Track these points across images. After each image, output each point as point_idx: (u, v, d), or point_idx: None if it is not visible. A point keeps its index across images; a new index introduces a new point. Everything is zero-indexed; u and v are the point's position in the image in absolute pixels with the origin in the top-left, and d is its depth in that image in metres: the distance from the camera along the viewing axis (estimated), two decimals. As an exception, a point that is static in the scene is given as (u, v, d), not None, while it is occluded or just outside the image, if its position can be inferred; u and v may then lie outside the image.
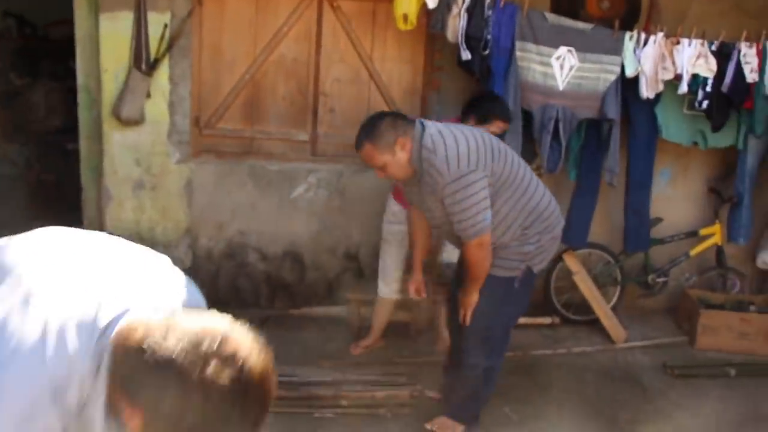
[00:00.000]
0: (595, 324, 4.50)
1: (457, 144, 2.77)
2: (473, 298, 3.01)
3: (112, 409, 1.14)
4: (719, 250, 4.65)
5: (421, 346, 4.15)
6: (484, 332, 3.08)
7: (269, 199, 4.43)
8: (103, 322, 1.15)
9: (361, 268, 4.53)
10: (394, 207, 3.85)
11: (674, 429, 3.48)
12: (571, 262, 4.45)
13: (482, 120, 3.53)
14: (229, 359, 1.07)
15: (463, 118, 3.61)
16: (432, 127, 2.86)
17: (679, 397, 3.82)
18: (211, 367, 1.06)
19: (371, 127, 2.84)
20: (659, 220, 4.58)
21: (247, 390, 1.09)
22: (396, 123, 2.84)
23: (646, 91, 4.12)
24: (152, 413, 1.08)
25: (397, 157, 2.81)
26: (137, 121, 4.21)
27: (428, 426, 3.28)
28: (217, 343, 1.08)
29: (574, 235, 4.35)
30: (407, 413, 3.48)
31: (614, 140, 4.24)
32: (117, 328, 1.14)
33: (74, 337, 1.14)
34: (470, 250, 2.89)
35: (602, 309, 4.45)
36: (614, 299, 4.63)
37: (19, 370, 1.12)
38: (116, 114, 4.16)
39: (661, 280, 4.70)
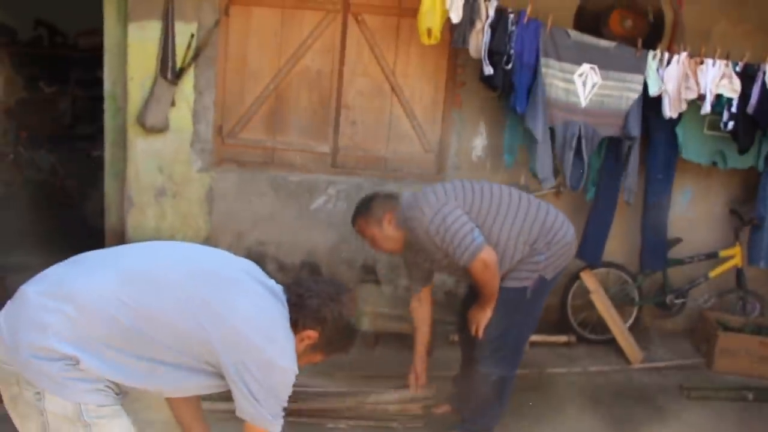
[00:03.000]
0: (611, 344, 4.47)
1: (429, 191, 3.09)
2: (486, 315, 3.10)
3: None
4: (739, 273, 4.61)
5: (432, 361, 4.13)
6: (496, 342, 3.13)
7: (289, 209, 4.47)
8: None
9: (378, 281, 4.54)
10: None
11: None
12: (589, 280, 4.43)
13: None
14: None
15: None
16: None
17: (694, 419, 3.77)
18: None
19: (364, 205, 3.19)
20: (678, 240, 4.55)
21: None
22: (386, 201, 3.15)
23: (669, 111, 4.11)
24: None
25: (384, 230, 3.10)
26: (161, 129, 4.27)
27: None
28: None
29: (589, 253, 4.33)
30: (419, 426, 3.47)
31: (634, 159, 4.24)
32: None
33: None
34: (476, 273, 2.98)
35: (619, 329, 4.42)
36: (631, 319, 4.60)
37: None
38: (141, 122, 4.22)
39: (679, 301, 4.66)
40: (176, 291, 1.83)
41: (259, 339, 1.85)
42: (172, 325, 1.80)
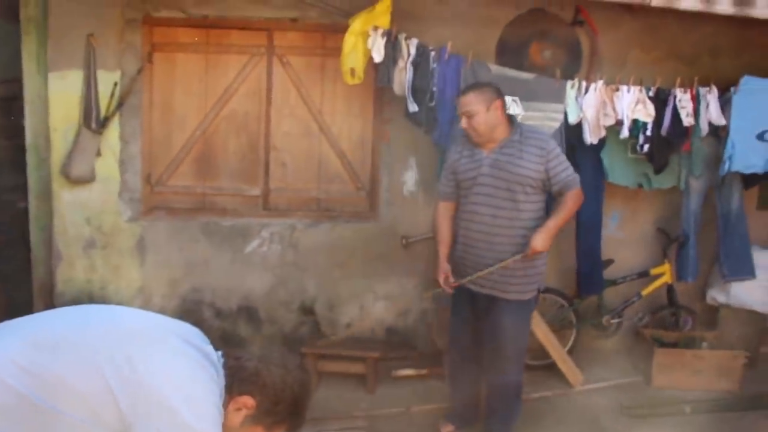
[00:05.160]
0: (552, 368, 4.52)
1: None
2: (550, 241, 3.31)
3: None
4: (670, 289, 4.73)
5: (377, 398, 4.13)
6: (521, 352, 3.49)
7: (223, 254, 4.42)
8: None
9: (317, 322, 4.51)
10: None
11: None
12: (526, 307, 4.49)
13: None
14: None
15: None
16: None
17: (637, 437, 3.84)
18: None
19: (479, 84, 3.51)
20: (611, 261, 4.65)
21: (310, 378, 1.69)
22: (499, 92, 3.39)
23: (590, 137, 4.23)
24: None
25: (488, 113, 3.30)
26: (87, 180, 4.19)
27: None
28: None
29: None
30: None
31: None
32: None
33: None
34: (571, 197, 3.33)
35: (558, 353, 4.47)
36: (570, 342, 4.67)
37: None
38: (66, 173, 4.14)
39: (615, 321, 4.75)
40: (84, 352, 1.64)
41: (176, 400, 1.63)
42: (76, 392, 1.59)
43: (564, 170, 3.33)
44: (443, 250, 3.51)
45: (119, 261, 4.33)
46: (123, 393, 1.60)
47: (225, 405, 1.73)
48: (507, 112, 4.11)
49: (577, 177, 3.37)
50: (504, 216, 3.32)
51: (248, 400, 1.76)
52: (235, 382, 1.76)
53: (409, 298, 4.55)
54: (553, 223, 3.29)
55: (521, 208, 3.31)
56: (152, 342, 1.72)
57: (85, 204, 4.25)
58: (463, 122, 3.33)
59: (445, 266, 3.48)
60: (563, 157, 3.38)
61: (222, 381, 1.75)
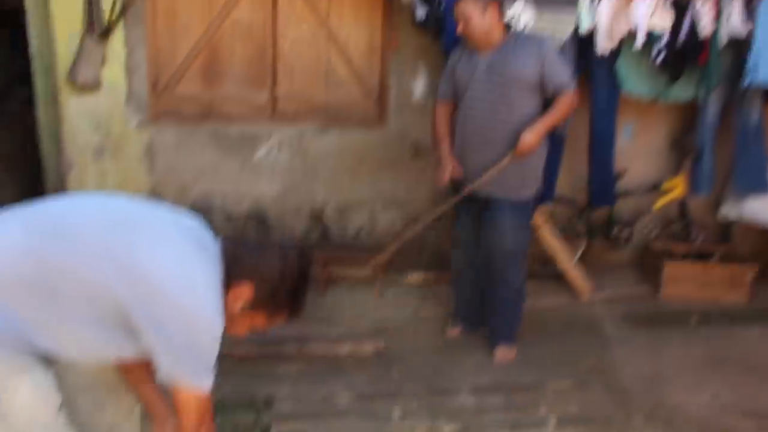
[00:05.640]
0: (559, 278, 4.53)
1: None
2: (539, 141, 3.32)
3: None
4: (682, 203, 4.69)
5: (385, 303, 4.17)
6: (521, 252, 3.49)
7: (231, 161, 4.42)
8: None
9: (327, 228, 4.53)
10: None
11: (635, 374, 3.52)
12: (536, 216, 4.46)
13: None
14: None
15: None
16: None
17: (640, 345, 3.85)
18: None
19: None
20: (624, 173, 4.60)
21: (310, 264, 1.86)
22: None
23: (602, 46, 4.11)
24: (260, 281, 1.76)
25: (484, 17, 3.26)
26: (94, 87, 4.17)
27: (496, 360, 3.58)
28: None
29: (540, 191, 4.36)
30: (370, 365, 3.50)
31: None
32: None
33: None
34: (565, 100, 3.30)
35: (567, 263, 4.48)
36: (579, 253, 4.66)
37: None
38: (72, 79, 4.12)
39: (626, 233, 4.73)
40: (85, 239, 1.66)
41: (175, 289, 1.63)
42: (78, 277, 1.62)
43: (559, 73, 3.30)
44: (444, 146, 3.53)
45: (129, 167, 4.34)
46: (121, 280, 1.62)
47: (224, 292, 1.74)
48: (516, 17, 4.08)
49: (572, 82, 3.34)
50: (499, 118, 3.33)
51: (246, 288, 1.76)
52: (234, 269, 1.75)
53: (418, 205, 4.54)
54: (542, 124, 3.30)
55: (515, 110, 3.32)
56: (151, 230, 1.72)
57: (93, 111, 4.24)
58: (459, 27, 3.32)
59: (449, 159, 3.48)
60: (560, 61, 3.37)
61: (220, 268, 1.75)
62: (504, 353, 3.60)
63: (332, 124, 4.49)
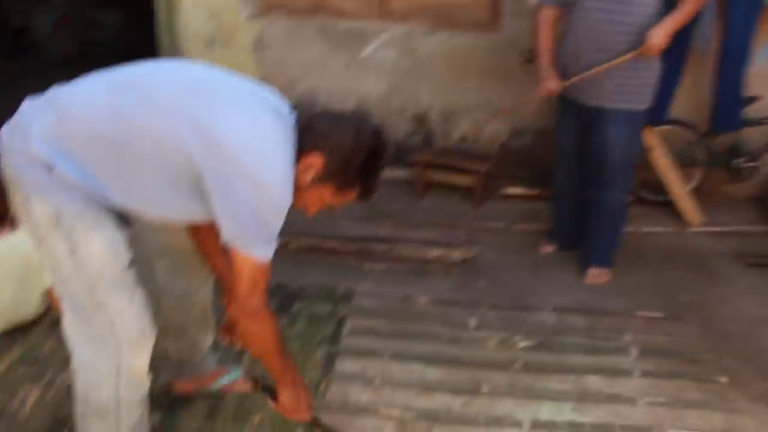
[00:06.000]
0: (669, 206, 4.28)
1: None
2: (664, 40, 3.08)
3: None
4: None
5: (482, 213, 4.11)
6: (627, 165, 3.33)
7: (339, 57, 4.39)
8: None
9: (430, 132, 4.47)
10: None
11: (735, 314, 3.32)
12: (649, 137, 4.20)
13: None
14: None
15: None
16: None
17: (748, 285, 3.61)
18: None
19: None
20: (754, 99, 4.20)
21: (384, 145, 1.81)
22: None
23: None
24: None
25: None
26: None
27: (587, 281, 3.46)
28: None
29: (654, 108, 4.07)
30: (457, 273, 3.49)
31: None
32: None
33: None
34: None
35: (678, 189, 4.22)
36: (694, 182, 4.37)
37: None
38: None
39: (750, 165, 4.38)
40: (165, 100, 1.70)
41: (247, 154, 1.64)
42: (155, 137, 1.67)
43: None
44: (545, 58, 3.31)
45: (238, 59, 4.40)
46: (196, 141, 1.64)
47: (295, 163, 1.74)
48: None
49: None
50: (616, 20, 3.07)
51: (317, 157, 1.74)
52: (307, 138, 1.74)
53: (526, 116, 4.37)
54: (671, 21, 3.05)
55: (635, 11, 3.06)
56: (230, 95, 1.73)
57: (208, 2, 4.29)
58: None
59: (549, 72, 3.29)
60: None
61: (295, 138, 1.75)
62: (596, 275, 3.48)
63: (442, 26, 4.33)
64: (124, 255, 1.80)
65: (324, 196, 1.80)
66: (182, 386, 2.51)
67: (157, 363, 2.63)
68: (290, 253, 3.61)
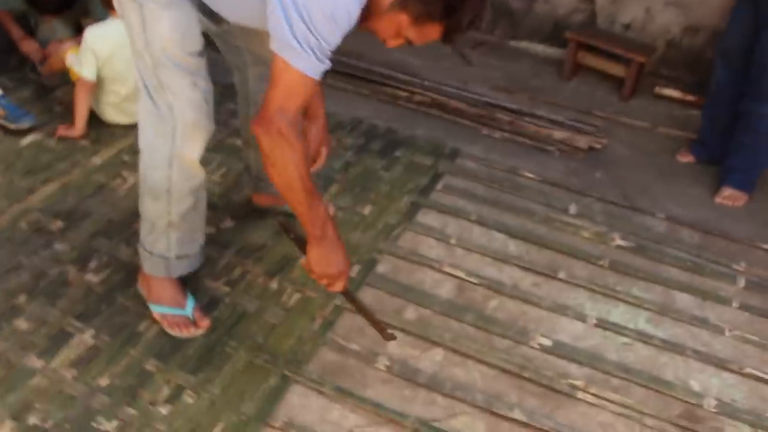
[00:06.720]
0: None
1: None
2: None
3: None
4: None
5: (628, 107, 3.78)
6: None
7: None
8: None
9: (595, 12, 4.08)
10: None
11: None
12: None
13: None
14: None
15: None
16: None
17: None
18: None
19: None
20: None
21: None
22: None
23: None
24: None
25: None
26: None
27: (717, 199, 3.11)
28: None
29: None
30: (577, 159, 3.27)
31: None
32: None
33: None
34: None
35: None
36: None
37: None
38: None
39: None
40: None
41: None
42: None
43: None
44: None
45: None
46: None
47: None
48: None
49: None
50: None
51: None
52: None
53: (704, 12, 3.86)
54: None
55: None
56: None
57: None
58: None
59: None
60: None
61: None
62: (729, 196, 3.10)
63: None
64: (194, 41, 1.78)
65: (402, 26, 1.58)
66: (260, 199, 2.58)
67: (240, 176, 2.74)
68: (412, 105, 3.53)
